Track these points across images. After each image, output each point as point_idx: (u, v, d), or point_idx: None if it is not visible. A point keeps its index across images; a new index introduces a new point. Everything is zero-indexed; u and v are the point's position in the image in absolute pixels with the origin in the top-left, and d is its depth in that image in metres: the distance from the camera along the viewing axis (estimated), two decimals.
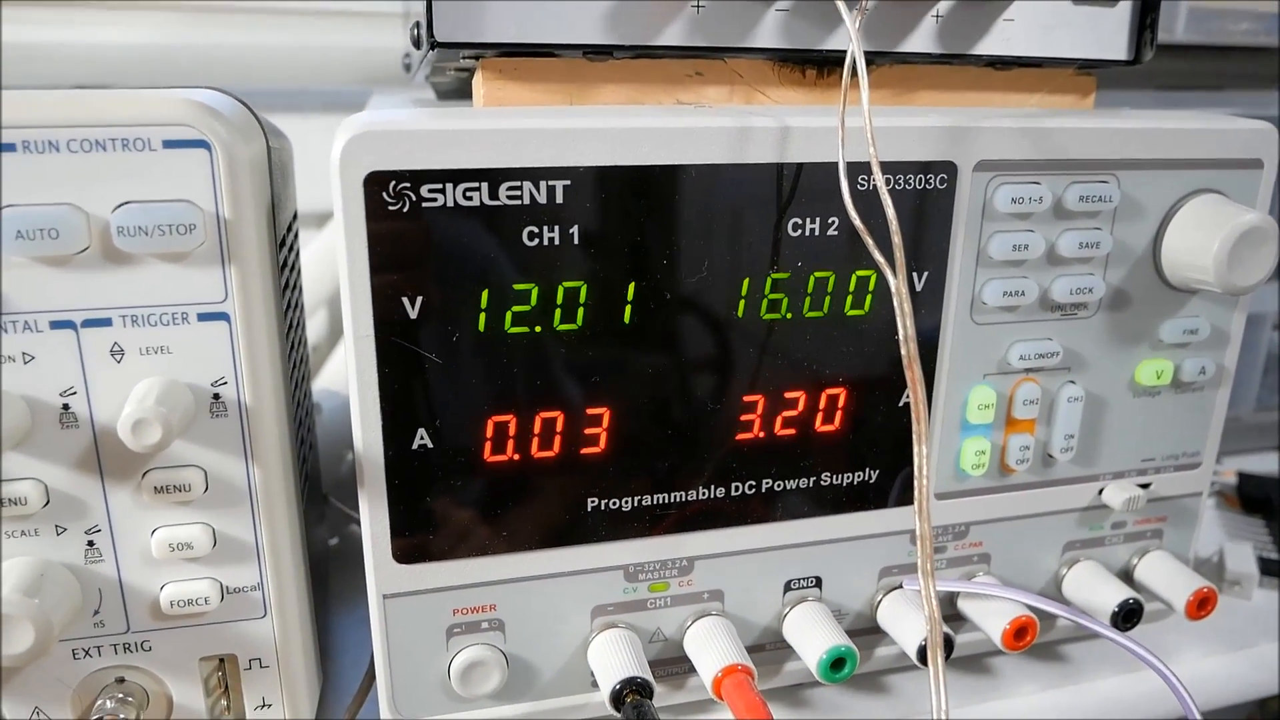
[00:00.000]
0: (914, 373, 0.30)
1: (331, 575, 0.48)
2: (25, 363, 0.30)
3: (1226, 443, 0.63)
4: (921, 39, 0.36)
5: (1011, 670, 0.43)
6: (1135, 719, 0.44)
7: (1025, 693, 0.42)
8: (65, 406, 0.30)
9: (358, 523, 0.50)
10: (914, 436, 0.30)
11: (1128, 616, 0.40)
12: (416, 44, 0.36)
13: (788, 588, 0.39)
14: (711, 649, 0.36)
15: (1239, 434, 0.65)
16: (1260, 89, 0.61)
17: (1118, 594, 0.40)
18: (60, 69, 0.72)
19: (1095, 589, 0.41)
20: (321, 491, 0.48)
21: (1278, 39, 0.58)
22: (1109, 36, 0.39)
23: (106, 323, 0.30)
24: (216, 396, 0.31)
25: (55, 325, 0.30)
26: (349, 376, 0.32)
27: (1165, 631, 0.46)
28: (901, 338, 0.30)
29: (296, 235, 0.43)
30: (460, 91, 0.50)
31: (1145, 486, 0.42)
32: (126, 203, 0.29)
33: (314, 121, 0.74)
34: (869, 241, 0.31)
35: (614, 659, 0.35)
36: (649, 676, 0.35)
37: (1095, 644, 0.45)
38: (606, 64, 0.35)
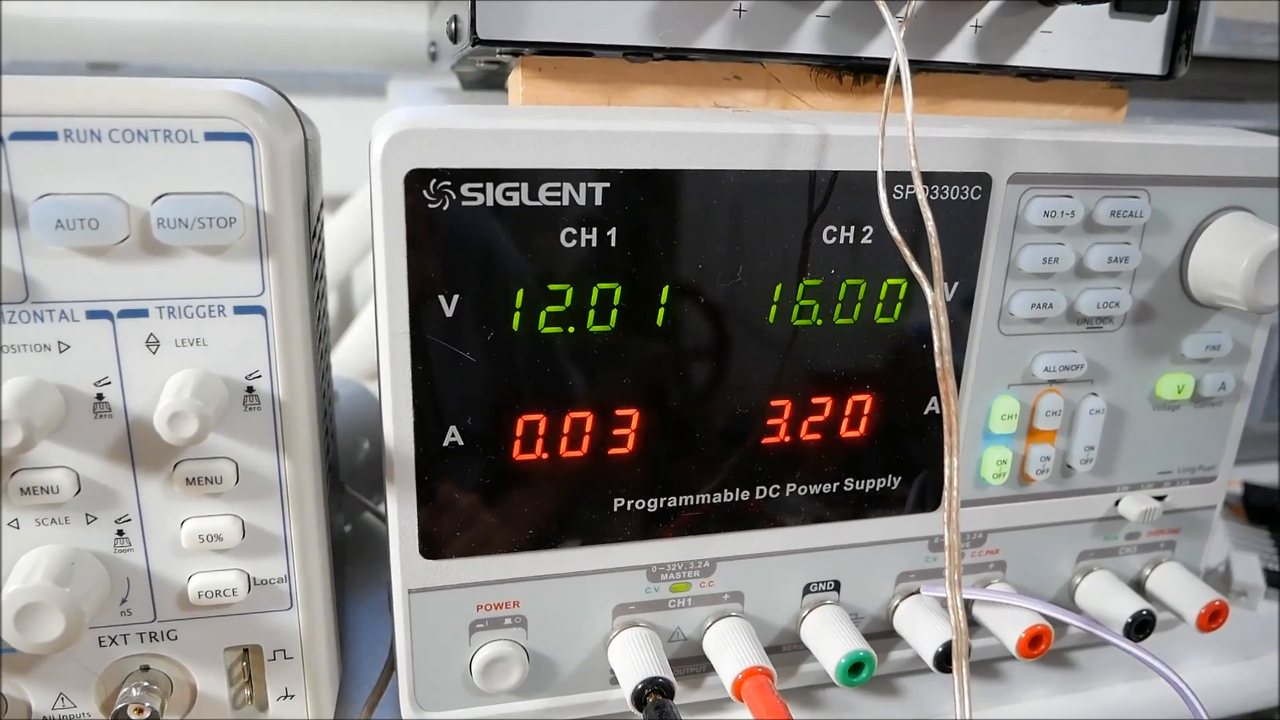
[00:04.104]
0: (947, 385, 0.30)
1: (346, 563, 0.48)
2: (61, 351, 0.30)
3: None
4: (959, 48, 0.36)
5: (1022, 675, 0.44)
6: None
7: (1036, 697, 0.43)
8: (99, 396, 0.30)
9: (373, 511, 0.51)
10: (945, 448, 0.30)
11: (1140, 627, 0.40)
12: (454, 38, 0.36)
13: (807, 590, 0.39)
14: (732, 650, 0.36)
15: (1245, 443, 0.64)
16: None
17: (1131, 604, 0.40)
18: (75, 46, 0.72)
19: (1108, 599, 0.41)
20: (339, 480, 0.48)
21: None
22: (1144, 50, 0.39)
23: (143, 313, 0.30)
24: (250, 390, 0.31)
25: (92, 315, 0.30)
26: (381, 373, 0.32)
27: (1172, 640, 0.46)
28: (936, 350, 0.30)
29: (323, 225, 0.43)
30: (486, 82, 0.50)
31: (1161, 499, 0.42)
32: (167, 194, 0.29)
33: (330, 105, 0.74)
34: (906, 253, 0.31)
35: (635, 658, 0.35)
36: (670, 676, 0.35)
37: (1105, 651, 0.46)
38: (646, 65, 0.35)
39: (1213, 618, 0.41)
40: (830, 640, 0.37)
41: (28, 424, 0.28)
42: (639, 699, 0.34)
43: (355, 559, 0.49)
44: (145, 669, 0.34)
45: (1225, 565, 0.52)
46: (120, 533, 0.32)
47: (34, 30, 0.71)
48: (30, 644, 0.29)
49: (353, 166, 0.60)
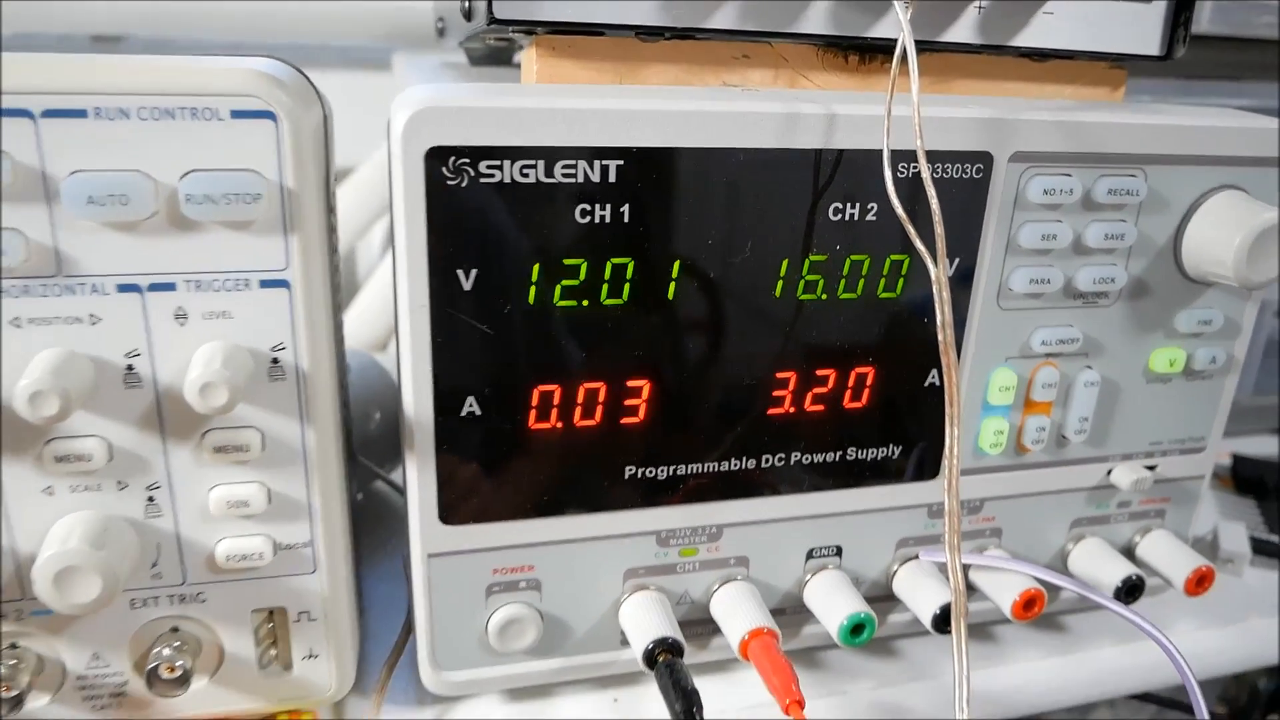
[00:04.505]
0: (949, 358, 0.31)
1: (360, 531, 0.50)
2: (92, 324, 0.31)
3: None
4: (964, 29, 0.37)
5: (1016, 638, 0.46)
6: (1132, 687, 0.46)
7: (1028, 659, 0.44)
8: (129, 367, 0.31)
9: (385, 480, 0.52)
10: (946, 418, 0.32)
11: (1130, 591, 0.42)
12: (468, 16, 0.37)
13: (810, 555, 0.40)
14: (738, 613, 0.38)
15: (1236, 416, 0.66)
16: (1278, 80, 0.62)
17: (1121, 570, 0.42)
18: (78, 18, 0.72)
19: (1100, 564, 0.43)
20: (352, 450, 0.49)
21: None
22: (1143, 31, 0.40)
23: (171, 287, 0.31)
24: (275, 361, 0.32)
25: (122, 288, 0.31)
26: (400, 345, 0.33)
27: (1161, 605, 0.48)
28: (939, 323, 0.31)
29: (335, 198, 0.44)
30: (494, 57, 0.51)
31: (1152, 469, 0.43)
32: (194, 170, 0.30)
33: (334, 78, 0.74)
34: (911, 230, 0.32)
35: (646, 619, 0.37)
36: (680, 637, 0.36)
37: (1095, 615, 0.47)
38: (657, 44, 0.36)
39: (1199, 582, 0.43)
40: (832, 603, 0.39)
41: (64, 394, 0.29)
42: (650, 658, 0.36)
43: (368, 527, 0.51)
44: (175, 630, 0.35)
45: (1213, 534, 0.53)
46: (151, 499, 0.33)
47: (36, 2, 0.71)
48: (68, 605, 0.31)
49: (357, 140, 0.60)
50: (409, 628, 0.42)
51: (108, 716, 0.35)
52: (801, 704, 0.34)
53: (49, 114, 0.29)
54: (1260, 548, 0.53)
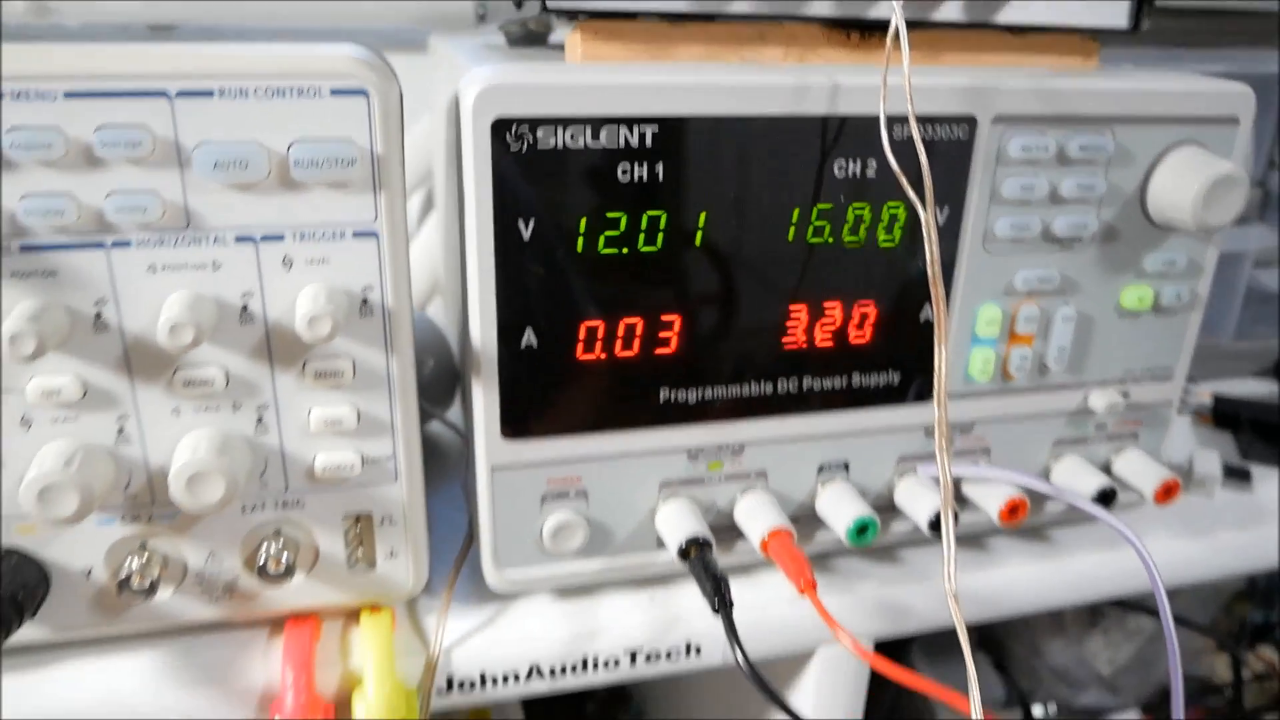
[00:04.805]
0: (937, 290, 0.37)
1: None
2: (214, 270, 0.37)
3: (1205, 368, 0.71)
4: (951, 9, 0.43)
5: (1003, 548, 0.51)
6: (1108, 592, 0.52)
7: (1014, 564, 0.50)
8: (244, 307, 0.37)
9: (440, 420, 0.58)
10: (935, 339, 0.37)
11: (1103, 498, 0.47)
12: (519, 4, 0.43)
13: (820, 470, 0.46)
14: (758, 516, 0.43)
15: (1218, 360, 0.72)
16: (1258, 47, 0.66)
17: (1097, 481, 0.48)
18: (135, 8, 0.78)
19: (1078, 477, 0.48)
20: None
21: (1276, 4, 0.64)
22: (1114, 7, 0.45)
23: (280, 238, 0.37)
24: (365, 300, 0.38)
25: (239, 239, 0.37)
26: (469, 287, 0.39)
27: (1137, 520, 0.53)
28: (929, 259, 0.37)
29: None
30: (529, 39, 0.56)
31: (1125, 395, 0.49)
32: (300, 140, 0.36)
33: None
34: (904, 182, 0.38)
35: (679, 521, 0.43)
36: (709, 535, 0.42)
37: (1075, 529, 0.53)
38: (684, 27, 0.41)
39: (1167, 493, 0.48)
40: (840, 509, 0.45)
41: (197, 327, 0.35)
42: (683, 552, 0.42)
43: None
44: (278, 533, 0.41)
45: (1189, 461, 0.59)
46: (260, 419, 0.39)
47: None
48: (197, 505, 0.37)
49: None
50: (470, 539, 0.48)
51: (220, 608, 0.42)
52: (814, 586, 0.40)
53: (182, 94, 0.34)
54: (1230, 473, 0.58)
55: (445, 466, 0.57)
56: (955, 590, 0.36)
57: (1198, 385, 0.69)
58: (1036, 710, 0.80)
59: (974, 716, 0.35)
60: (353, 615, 0.44)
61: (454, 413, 0.60)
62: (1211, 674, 0.86)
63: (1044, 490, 0.45)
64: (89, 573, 0.40)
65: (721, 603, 0.39)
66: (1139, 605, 0.74)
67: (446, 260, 0.53)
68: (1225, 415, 0.66)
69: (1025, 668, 0.82)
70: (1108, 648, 0.81)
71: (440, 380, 0.58)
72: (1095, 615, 0.81)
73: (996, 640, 0.83)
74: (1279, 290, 0.69)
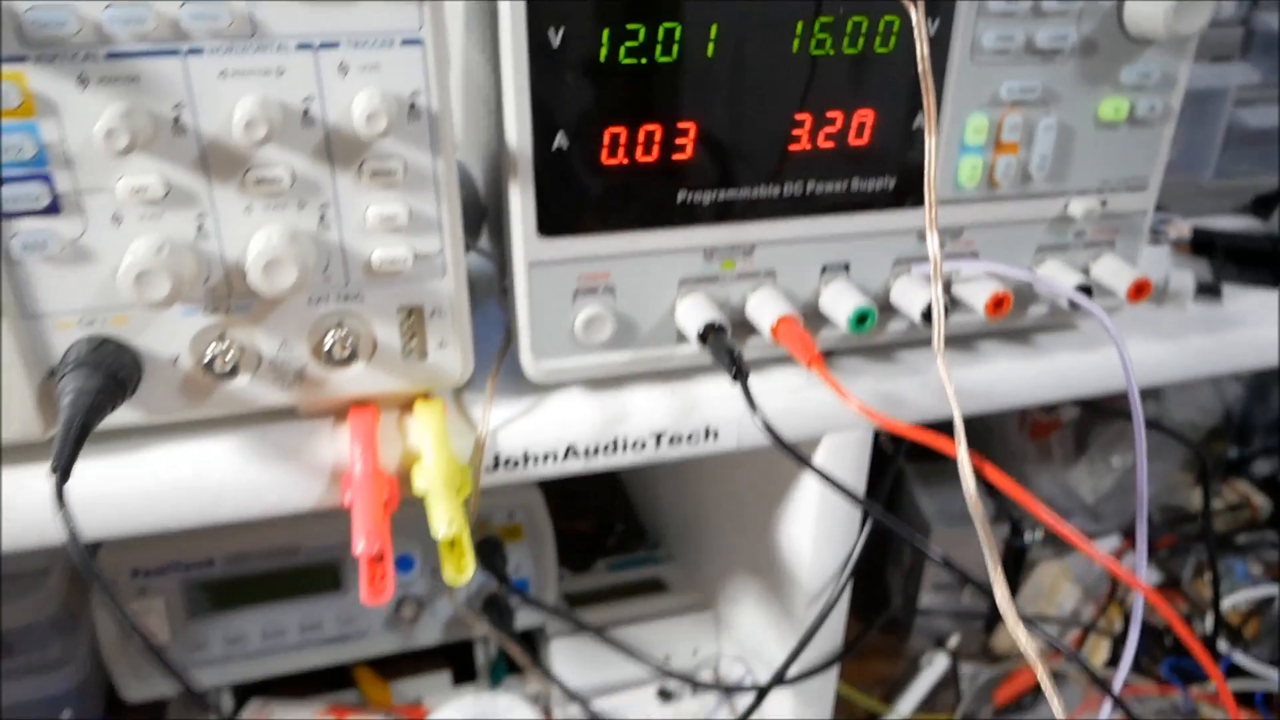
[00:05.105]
0: (927, 83, 0.41)
1: None
2: (278, 75, 0.41)
3: (1186, 206, 0.75)
4: None
5: (991, 349, 0.56)
6: (1087, 389, 0.57)
7: (1000, 362, 0.55)
8: (305, 111, 0.42)
9: (469, 249, 0.62)
10: (925, 129, 0.42)
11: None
12: None
13: (824, 270, 0.51)
14: (768, 307, 0.48)
15: (1199, 198, 0.76)
16: None
17: (1076, 279, 0.52)
18: None
19: (1059, 277, 0.53)
20: None
21: None
22: None
23: (336, 45, 0.41)
24: (413, 105, 0.43)
25: (299, 47, 0.41)
26: (505, 95, 0.43)
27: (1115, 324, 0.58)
28: (919, 55, 0.41)
29: None
30: None
31: (1103, 204, 0.53)
32: None
33: None
34: None
35: (697, 311, 0.48)
36: (725, 322, 0.47)
37: (1056, 335, 0.58)
38: None
39: (1138, 291, 0.53)
40: (842, 301, 0.49)
41: (269, 123, 0.39)
42: (702, 335, 0.47)
43: None
44: (340, 323, 0.46)
45: (1165, 280, 0.64)
46: (322, 216, 0.44)
47: None
48: (273, 290, 0.41)
49: None
50: (508, 340, 0.53)
51: (291, 393, 0.47)
52: (820, 359, 0.45)
53: None
54: (1202, 289, 0.63)
55: (476, 293, 0.62)
56: (942, 348, 0.41)
57: (1179, 220, 0.73)
58: (1027, 536, 0.86)
59: (960, 456, 0.41)
60: (406, 406, 0.50)
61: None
62: (1187, 505, 0.92)
63: (1028, 279, 0.50)
64: (176, 360, 0.45)
65: (739, 372, 0.45)
66: (1116, 411, 0.78)
67: (468, 88, 0.56)
68: (1202, 244, 0.70)
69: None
70: (1091, 477, 0.87)
71: (467, 213, 0.63)
72: (1080, 448, 0.87)
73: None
74: (1258, 128, 0.73)
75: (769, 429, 0.44)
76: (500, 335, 0.55)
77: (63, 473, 0.38)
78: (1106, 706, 0.50)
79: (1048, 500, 0.88)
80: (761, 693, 0.59)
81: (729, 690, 0.73)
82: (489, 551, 0.70)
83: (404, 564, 0.70)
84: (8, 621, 0.70)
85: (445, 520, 0.42)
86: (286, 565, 0.69)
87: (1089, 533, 0.89)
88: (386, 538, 0.43)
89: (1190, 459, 0.95)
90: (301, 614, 0.70)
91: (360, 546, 0.42)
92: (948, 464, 0.44)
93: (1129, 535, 0.90)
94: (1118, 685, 0.50)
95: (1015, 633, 0.40)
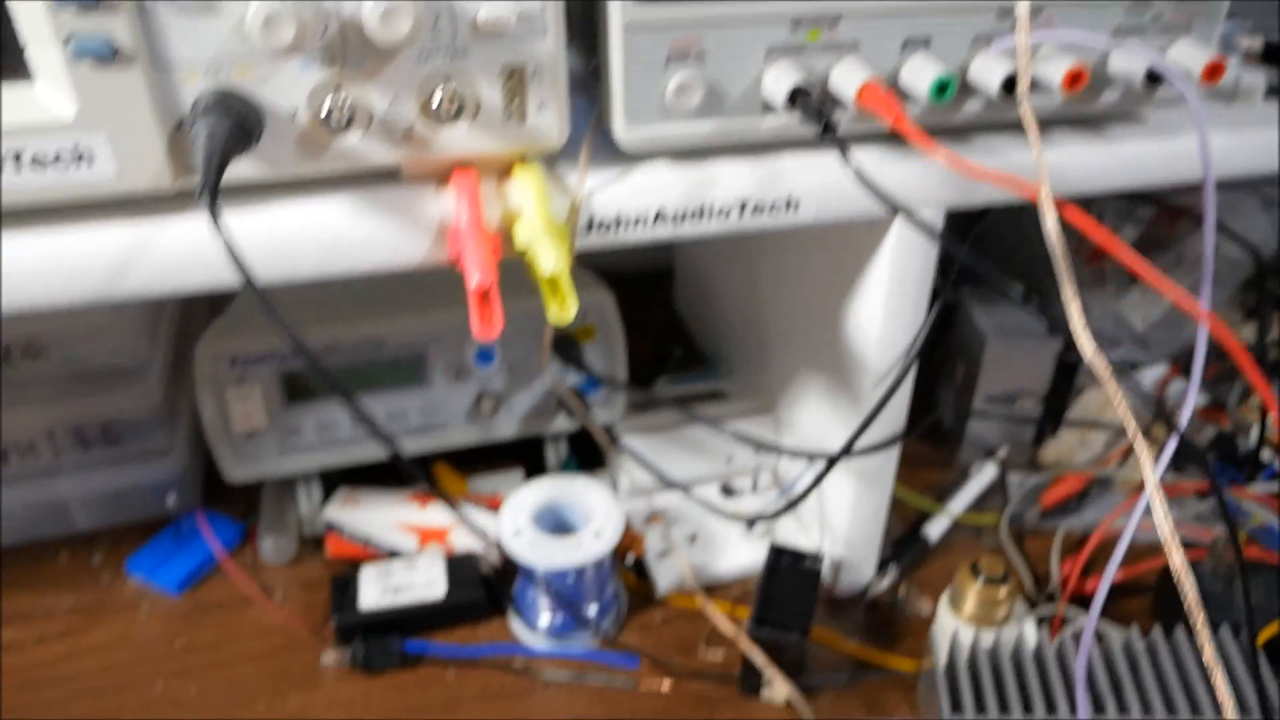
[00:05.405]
0: None
1: None
2: None
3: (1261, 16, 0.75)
4: None
5: (1062, 135, 0.58)
6: (1157, 178, 0.59)
7: (1073, 147, 0.57)
8: None
9: None
10: None
11: (1152, 77, 0.53)
12: None
13: (905, 45, 0.52)
14: (853, 74, 0.50)
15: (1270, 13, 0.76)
16: None
17: (1149, 60, 0.54)
18: None
19: (1134, 59, 0.54)
20: None
21: None
22: None
23: None
24: None
25: None
26: None
27: (1184, 116, 0.59)
28: None
29: None
30: None
31: None
32: None
33: None
34: None
35: (785, 78, 0.50)
36: (811, 86, 0.49)
37: (1127, 126, 0.59)
38: None
39: (1212, 72, 0.54)
40: (923, 71, 0.51)
41: None
42: (791, 99, 0.49)
43: None
44: (448, 80, 0.48)
45: (1236, 81, 0.64)
46: None
47: None
48: (390, 35, 0.44)
49: None
50: (599, 117, 0.55)
51: (400, 152, 0.50)
52: (903, 115, 0.47)
53: None
54: (1272, 90, 0.64)
55: None
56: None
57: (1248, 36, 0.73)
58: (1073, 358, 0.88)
59: (1042, 195, 0.43)
60: (503, 172, 0.52)
61: None
62: (1238, 338, 0.94)
63: (1109, 47, 0.51)
64: (294, 115, 0.48)
65: (828, 126, 0.47)
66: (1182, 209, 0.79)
67: None
68: (1273, 52, 0.70)
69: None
70: (1143, 304, 0.89)
71: None
72: (1134, 276, 0.89)
73: (1043, 295, 0.91)
74: None
75: (861, 177, 0.46)
76: (586, 121, 0.57)
77: (211, 193, 0.41)
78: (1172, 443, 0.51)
79: (1098, 330, 0.90)
80: (830, 462, 0.63)
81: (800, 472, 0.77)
82: (565, 348, 0.74)
83: (484, 356, 0.74)
84: (115, 414, 0.76)
85: (553, 257, 0.46)
86: (374, 358, 0.73)
87: (1138, 361, 0.91)
88: (495, 275, 0.46)
89: (1237, 297, 0.96)
90: (388, 405, 0.75)
91: (475, 280, 0.45)
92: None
93: (1176, 363, 0.92)
94: (1159, 473, 0.52)
95: (1080, 341, 0.43)
